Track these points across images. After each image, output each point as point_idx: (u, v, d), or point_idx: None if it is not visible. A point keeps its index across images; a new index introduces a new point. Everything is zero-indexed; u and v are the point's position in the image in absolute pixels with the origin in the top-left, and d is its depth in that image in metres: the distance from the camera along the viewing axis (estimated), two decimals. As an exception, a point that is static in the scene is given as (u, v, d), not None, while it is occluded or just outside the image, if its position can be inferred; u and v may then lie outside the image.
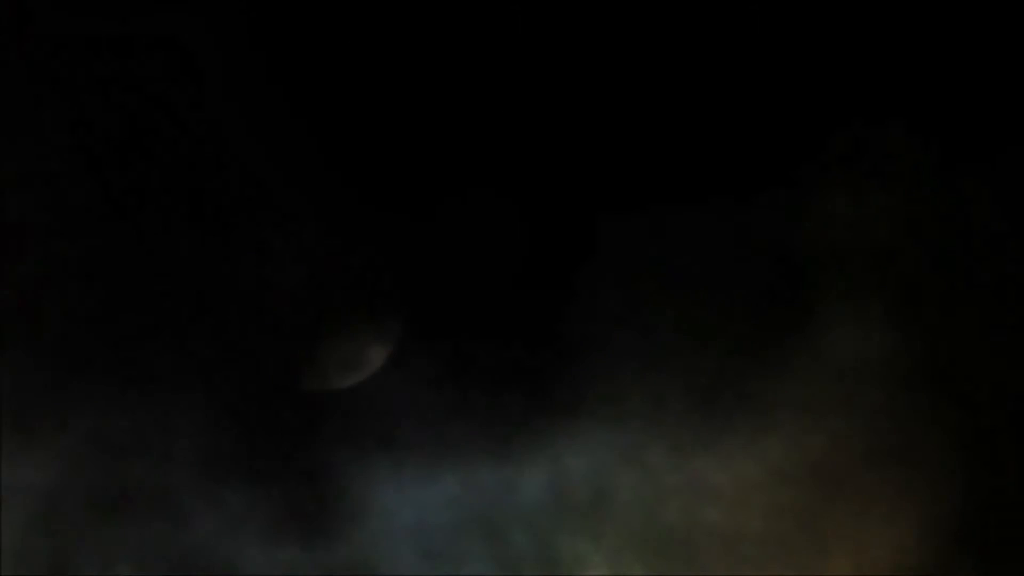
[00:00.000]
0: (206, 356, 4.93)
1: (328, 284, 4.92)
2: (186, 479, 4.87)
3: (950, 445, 4.80)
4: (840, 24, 4.84)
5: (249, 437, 4.95)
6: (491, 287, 4.98)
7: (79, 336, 4.83)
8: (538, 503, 4.89)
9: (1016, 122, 4.80)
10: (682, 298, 4.89)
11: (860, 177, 4.89)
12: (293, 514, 4.91)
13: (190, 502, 4.85)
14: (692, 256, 4.91)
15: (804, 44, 4.86)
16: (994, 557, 4.71)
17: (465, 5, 4.84)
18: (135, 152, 4.86)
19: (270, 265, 4.92)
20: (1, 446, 4.72)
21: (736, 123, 4.92)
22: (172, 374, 4.90)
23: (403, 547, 4.90)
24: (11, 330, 4.76)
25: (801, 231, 4.88)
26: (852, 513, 4.83)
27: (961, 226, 4.81)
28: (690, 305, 4.88)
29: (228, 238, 4.90)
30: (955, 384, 4.81)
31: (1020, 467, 4.81)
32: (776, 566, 4.77)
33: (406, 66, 4.91)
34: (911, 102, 4.86)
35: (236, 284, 4.91)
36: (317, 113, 4.90)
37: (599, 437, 4.88)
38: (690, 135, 4.92)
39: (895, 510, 4.80)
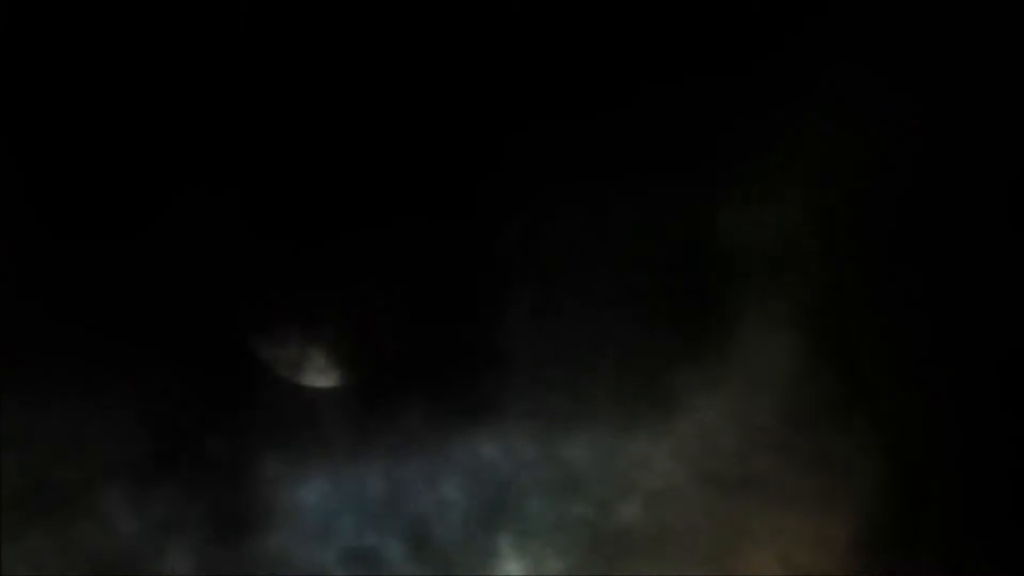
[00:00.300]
0: (122, 356, 4.93)
1: (247, 285, 4.95)
2: (96, 479, 4.85)
3: (870, 447, 4.84)
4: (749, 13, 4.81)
5: (158, 437, 4.95)
6: (405, 290, 5.01)
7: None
8: (454, 501, 4.94)
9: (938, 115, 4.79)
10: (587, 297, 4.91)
11: (774, 174, 4.88)
12: (205, 513, 4.92)
13: (102, 502, 4.83)
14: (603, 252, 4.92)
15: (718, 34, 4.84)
16: (915, 556, 4.75)
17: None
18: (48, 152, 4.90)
19: (185, 266, 4.92)
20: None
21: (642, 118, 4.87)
22: (88, 374, 4.90)
23: (317, 545, 4.92)
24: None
25: (721, 229, 4.87)
26: (767, 513, 4.87)
27: (882, 226, 4.82)
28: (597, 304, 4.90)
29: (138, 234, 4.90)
30: (874, 386, 4.85)
31: (939, 467, 4.86)
32: (686, 565, 4.81)
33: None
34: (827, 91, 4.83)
35: (154, 283, 4.91)
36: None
37: (492, 438, 4.91)
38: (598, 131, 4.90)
39: (813, 511, 4.84)
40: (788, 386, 4.82)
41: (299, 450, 4.92)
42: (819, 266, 4.85)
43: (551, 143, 4.86)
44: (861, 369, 4.83)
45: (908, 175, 4.85)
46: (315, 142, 4.90)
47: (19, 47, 4.81)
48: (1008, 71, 4.81)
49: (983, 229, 4.84)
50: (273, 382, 4.99)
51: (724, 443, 4.84)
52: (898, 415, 4.79)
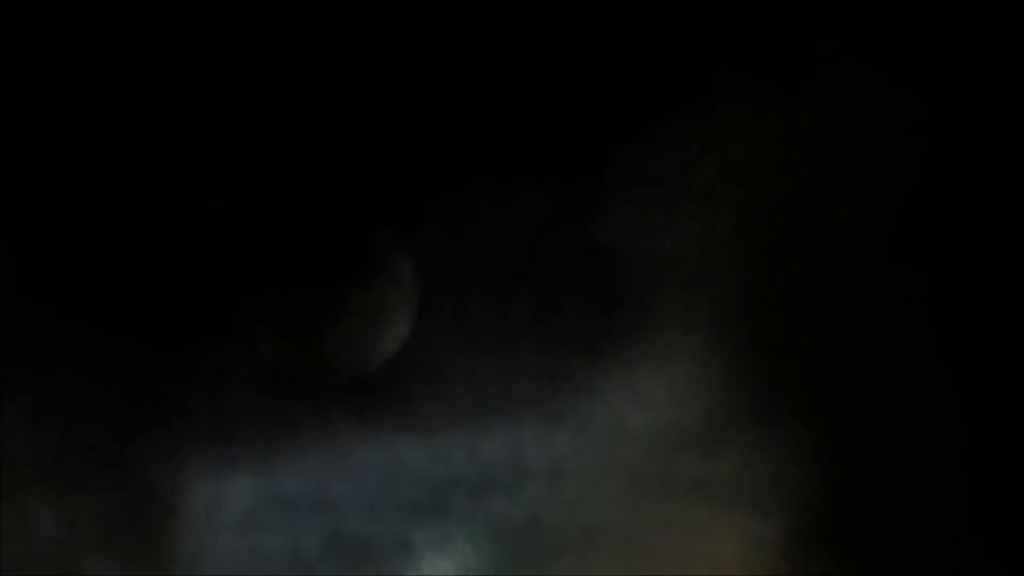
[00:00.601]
0: (28, 351, 4.90)
1: (153, 280, 4.92)
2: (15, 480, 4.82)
3: (806, 441, 4.82)
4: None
5: (66, 436, 4.92)
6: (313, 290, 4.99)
7: None
8: (370, 497, 4.92)
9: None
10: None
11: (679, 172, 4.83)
12: (115, 518, 4.89)
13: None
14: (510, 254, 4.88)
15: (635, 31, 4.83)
16: (854, 552, 4.74)
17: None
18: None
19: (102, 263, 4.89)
20: None
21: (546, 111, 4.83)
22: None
23: (230, 545, 4.89)
24: None
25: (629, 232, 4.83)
26: (701, 509, 4.85)
27: (799, 224, 4.80)
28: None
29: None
30: (808, 382, 4.83)
31: (878, 461, 4.86)
32: (622, 562, 4.79)
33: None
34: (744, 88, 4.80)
35: (67, 281, 4.88)
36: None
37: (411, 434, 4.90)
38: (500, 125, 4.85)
39: (749, 507, 4.82)
40: (717, 384, 4.83)
41: (219, 447, 4.94)
42: (747, 267, 4.86)
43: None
44: (800, 366, 4.85)
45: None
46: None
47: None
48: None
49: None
50: (193, 378, 5.00)
51: (646, 440, 4.85)
52: (845, 414, 4.81)
